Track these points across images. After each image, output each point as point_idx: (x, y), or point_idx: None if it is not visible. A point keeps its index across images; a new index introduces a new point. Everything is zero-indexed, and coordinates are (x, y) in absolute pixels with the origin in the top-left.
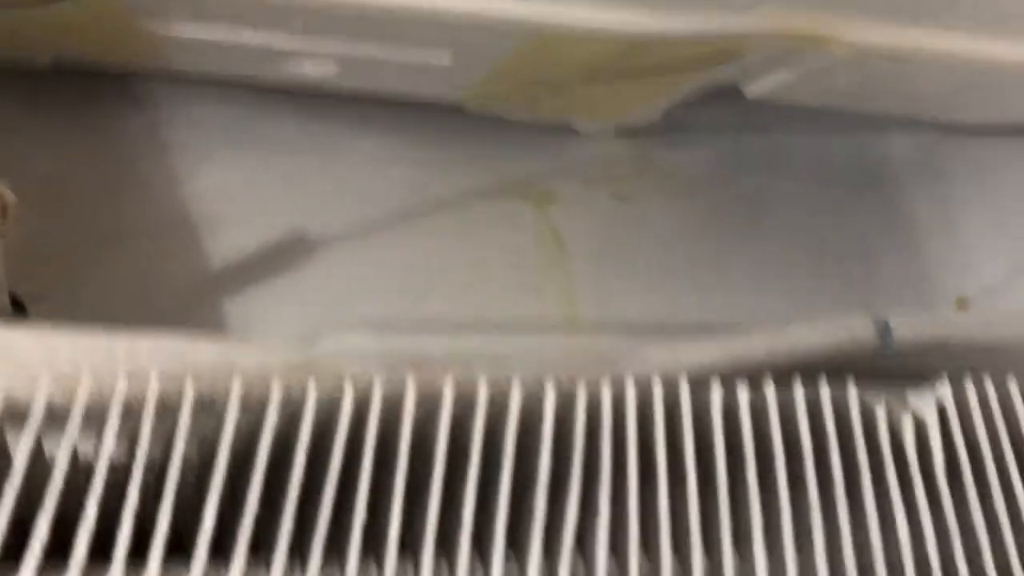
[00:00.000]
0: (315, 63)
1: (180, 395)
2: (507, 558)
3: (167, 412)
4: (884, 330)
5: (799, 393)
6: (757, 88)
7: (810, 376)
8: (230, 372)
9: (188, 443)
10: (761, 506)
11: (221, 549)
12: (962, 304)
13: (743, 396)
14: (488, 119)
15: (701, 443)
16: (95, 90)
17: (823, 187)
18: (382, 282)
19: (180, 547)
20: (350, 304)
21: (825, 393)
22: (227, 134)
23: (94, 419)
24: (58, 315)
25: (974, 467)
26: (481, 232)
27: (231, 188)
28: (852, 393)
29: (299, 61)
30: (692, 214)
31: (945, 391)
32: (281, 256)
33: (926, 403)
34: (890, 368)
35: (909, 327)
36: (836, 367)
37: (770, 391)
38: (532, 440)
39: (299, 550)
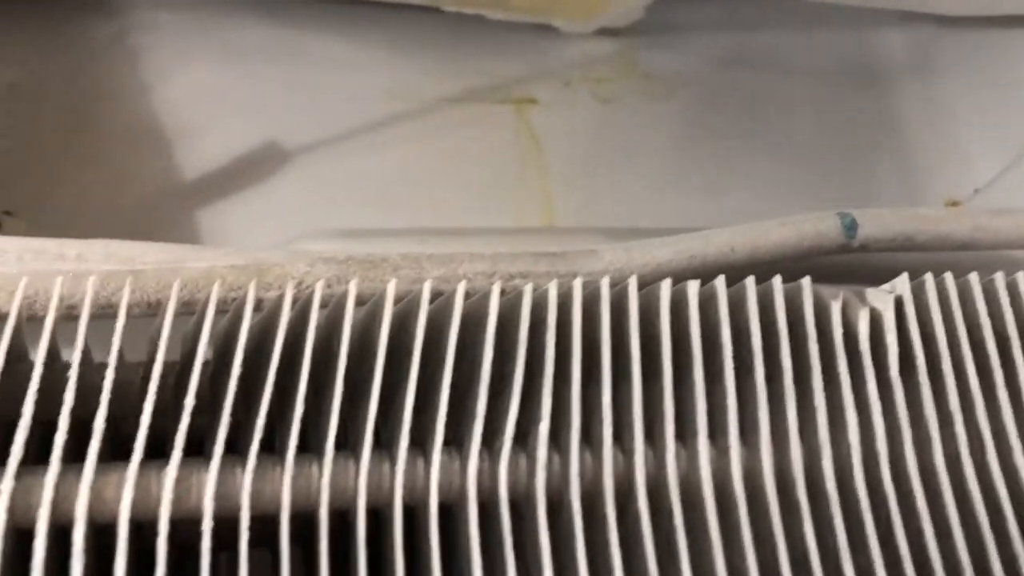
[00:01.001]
0: None
1: (120, 295)
2: (450, 455)
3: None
4: (849, 225)
5: (751, 285)
6: None
7: (777, 274)
8: (175, 274)
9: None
10: (707, 399)
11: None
12: (952, 205)
13: (692, 289)
14: (466, 19)
15: (648, 338)
16: None
17: (815, 86)
18: (357, 191)
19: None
20: (325, 213)
21: (778, 286)
22: (198, 40)
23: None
24: (29, 227)
25: (929, 361)
26: (458, 137)
27: (202, 96)
28: (806, 286)
29: None
30: (678, 116)
31: (904, 285)
32: (254, 165)
33: (884, 298)
34: (858, 264)
35: (875, 222)
36: (804, 264)
37: (720, 283)
38: (477, 338)
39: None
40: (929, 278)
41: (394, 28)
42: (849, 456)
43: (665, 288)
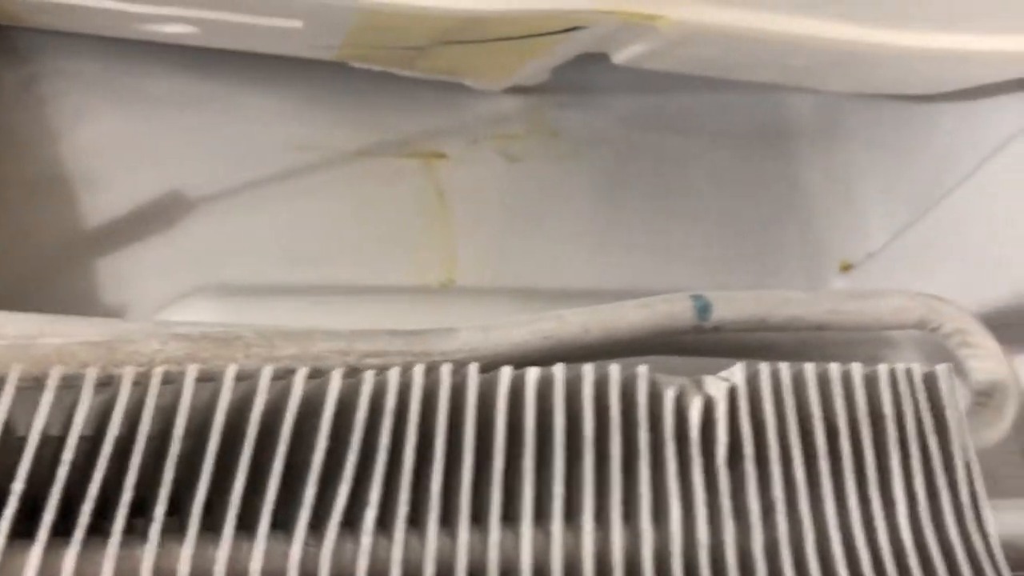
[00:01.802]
0: (173, 25)
1: None
2: (276, 539)
3: None
4: (703, 307)
5: (588, 373)
6: (621, 56)
7: (634, 352)
8: (24, 352)
9: None
10: (536, 484)
11: None
12: (846, 268)
13: (530, 376)
14: (376, 74)
15: (483, 422)
16: None
17: (722, 149)
18: (260, 243)
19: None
20: (225, 266)
21: (615, 374)
22: (108, 89)
23: None
24: None
25: (757, 450)
26: (365, 191)
27: (109, 144)
28: (642, 374)
29: (157, 23)
30: (584, 176)
31: (739, 374)
32: (158, 215)
33: (719, 386)
34: (717, 345)
35: (729, 304)
36: (662, 344)
37: (559, 370)
38: (315, 422)
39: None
40: (764, 367)
41: (304, 81)
42: (668, 543)
43: (504, 375)
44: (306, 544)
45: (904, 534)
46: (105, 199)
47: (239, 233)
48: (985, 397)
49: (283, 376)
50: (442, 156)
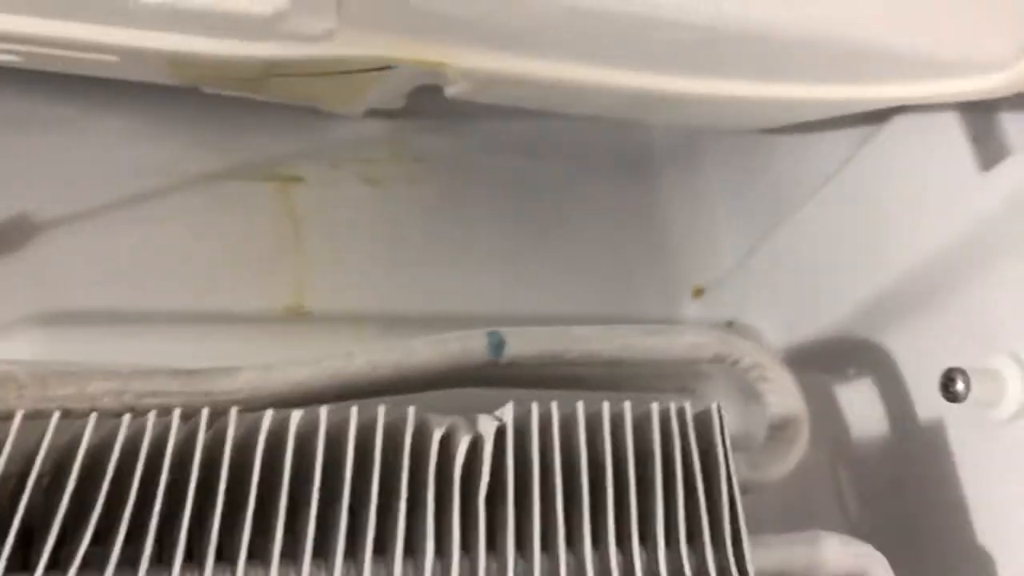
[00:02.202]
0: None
1: None
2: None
3: None
4: (496, 344)
5: (353, 415)
6: (450, 92)
7: (437, 386)
8: None
9: None
10: (285, 525)
11: None
12: (698, 292)
13: (294, 419)
14: (235, 98)
15: (243, 464)
16: None
17: (581, 173)
18: (106, 269)
19: None
20: (69, 291)
21: (380, 414)
22: None
23: None
24: None
25: (519, 488)
26: (217, 216)
27: None
28: (410, 415)
29: None
30: (442, 200)
31: (508, 412)
32: (1, 238)
33: (489, 425)
34: (521, 377)
35: (523, 341)
36: (464, 376)
37: (323, 412)
38: (100, 464)
39: None
40: (534, 407)
41: (157, 103)
42: None
43: (265, 418)
44: None
45: (662, 571)
46: None
47: (86, 258)
48: (779, 431)
49: (42, 418)
50: (299, 180)
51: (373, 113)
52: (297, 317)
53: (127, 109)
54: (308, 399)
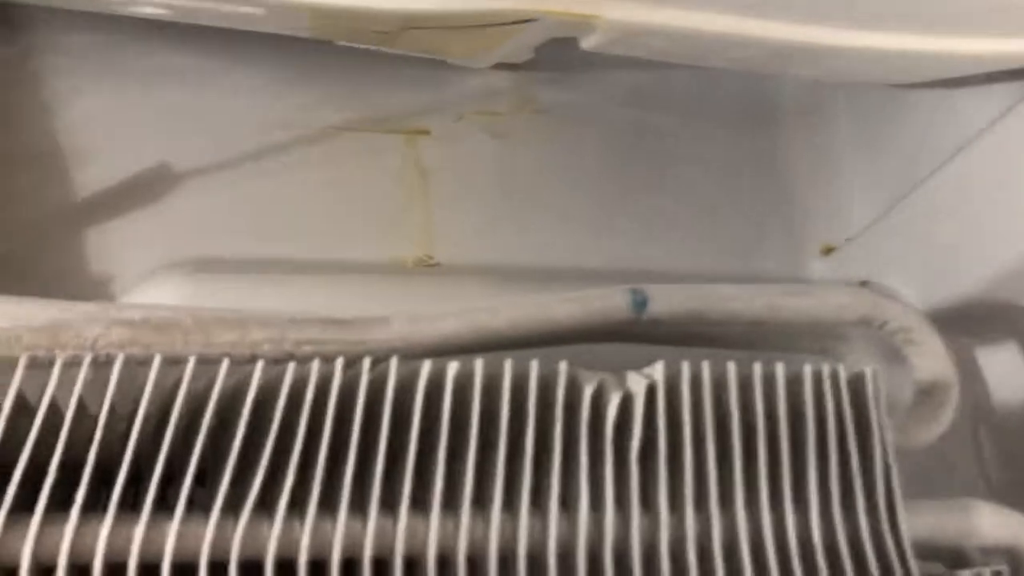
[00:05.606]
0: (146, 8)
1: None
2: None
3: None
4: (639, 301)
5: (507, 368)
6: (587, 44)
7: (574, 341)
8: None
9: None
10: (446, 473)
11: None
12: (827, 250)
13: (451, 371)
14: (363, 52)
15: (402, 412)
16: None
17: (706, 128)
18: (242, 217)
19: None
20: (205, 240)
21: (534, 369)
22: (99, 63)
23: None
24: None
25: (671, 447)
26: (346, 167)
27: (97, 118)
28: (562, 370)
29: (133, 6)
30: (569, 154)
31: (658, 370)
32: (142, 189)
33: (639, 382)
34: (660, 334)
35: (666, 298)
36: (605, 332)
37: (478, 364)
38: (237, 407)
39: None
40: (685, 366)
41: (291, 56)
42: (575, 534)
43: (424, 368)
44: (219, 526)
45: (815, 534)
46: (92, 173)
47: (220, 208)
48: (926, 395)
49: (215, 361)
50: (425, 132)
51: (498, 66)
52: (425, 268)
53: (262, 63)
54: (453, 350)
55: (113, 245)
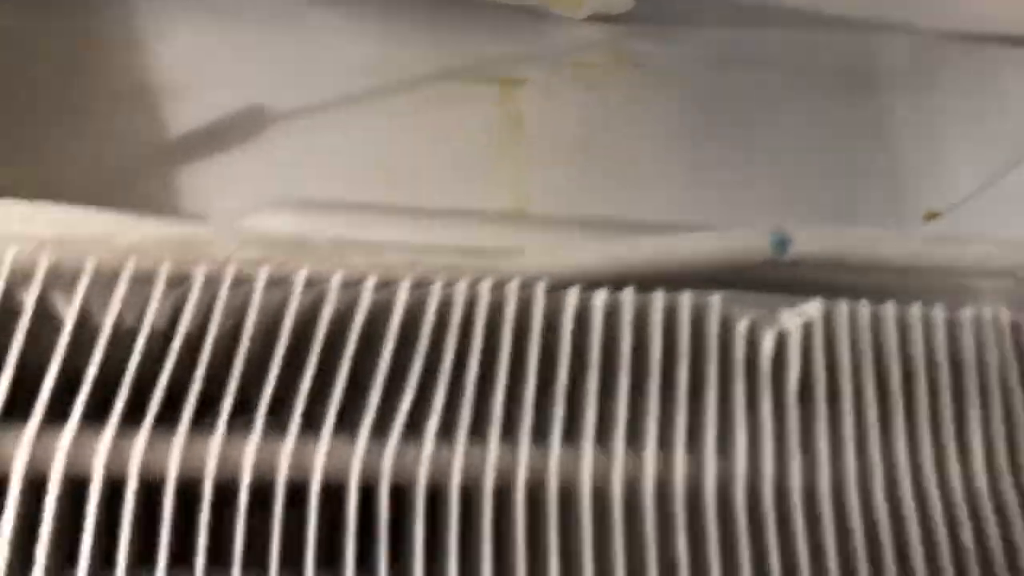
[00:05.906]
0: None
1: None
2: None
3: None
4: (780, 243)
5: (657, 299)
6: None
7: (705, 284)
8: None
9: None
10: (598, 405)
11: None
12: (931, 216)
13: (597, 300)
14: (463, 0)
15: (549, 344)
16: None
17: (806, 88)
18: (334, 161)
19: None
20: (300, 181)
21: (685, 302)
22: (197, 1)
23: None
24: (15, 181)
25: (829, 387)
26: (441, 114)
27: (192, 56)
28: (714, 304)
29: None
30: (663, 109)
31: (814, 308)
32: (237, 128)
33: (794, 320)
34: (795, 281)
35: (810, 240)
36: (738, 277)
37: (627, 295)
38: (382, 330)
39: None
40: (842, 305)
41: (388, 4)
42: (732, 474)
43: (571, 297)
44: (368, 447)
45: (979, 481)
46: (188, 110)
47: (314, 151)
48: None
49: (353, 284)
50: (522, 82)
51: (595, 18)
52: (519, 217)
53: (360, 8)
54: (591, 286)
55: (207, 184)
